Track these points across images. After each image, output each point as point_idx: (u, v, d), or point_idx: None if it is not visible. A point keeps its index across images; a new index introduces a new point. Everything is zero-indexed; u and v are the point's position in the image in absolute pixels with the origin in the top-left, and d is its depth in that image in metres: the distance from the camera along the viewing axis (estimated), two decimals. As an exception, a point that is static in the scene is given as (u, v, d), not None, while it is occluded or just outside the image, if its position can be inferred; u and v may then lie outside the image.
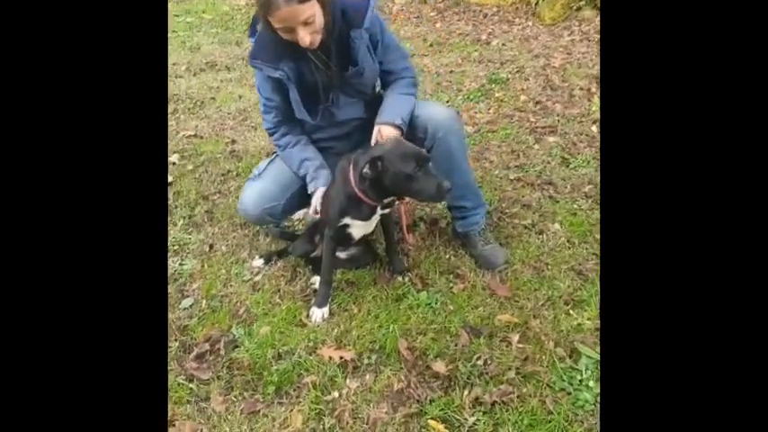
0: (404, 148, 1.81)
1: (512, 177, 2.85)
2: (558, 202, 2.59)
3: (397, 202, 2.07)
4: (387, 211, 2.03)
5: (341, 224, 1.98)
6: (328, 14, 1.85)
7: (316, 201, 2.08)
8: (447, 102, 3.89)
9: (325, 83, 2.02)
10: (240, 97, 4.14)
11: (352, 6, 1.95)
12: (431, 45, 5.02)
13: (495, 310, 1.98)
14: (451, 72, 4.36)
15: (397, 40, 2.16)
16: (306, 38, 1.80)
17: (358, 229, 2.04)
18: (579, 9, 5.05)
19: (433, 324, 1.94)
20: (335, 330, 1.94)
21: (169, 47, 5.42)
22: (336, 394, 1.71)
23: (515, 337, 1.86)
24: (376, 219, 2.02)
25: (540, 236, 2.36)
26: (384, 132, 1.99)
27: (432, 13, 5.88)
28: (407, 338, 1.89)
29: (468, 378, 1.72)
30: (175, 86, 4.38)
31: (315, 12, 1.77)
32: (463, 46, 4.89)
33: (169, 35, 5.82)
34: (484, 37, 5.00)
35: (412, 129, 2.07)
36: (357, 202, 1.91)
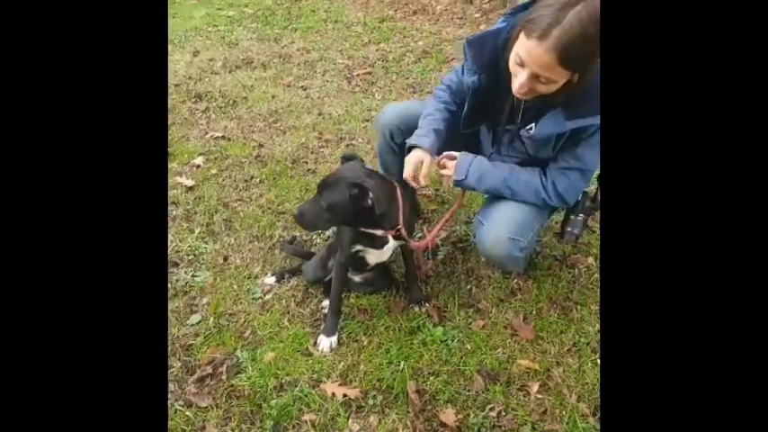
0: (335, 174, 1.77)
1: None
2: (594, 231, 2.40)
3: (410, 240, 1.92)
4: (402, 242, 1.91)
5: (353, 250, 1.87)
6: (565, 92, 1.59)
7: (408, 162, 1.88)
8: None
9: (501, 121, 1.85)
10: (273, 97, 4.07)
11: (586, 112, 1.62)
12: (472, 49, 4.83)
13: (516, 354, 1.84)
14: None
15: (592, 158, 1.76)
16: (522, 86, 1.56)
17: (372, 256, 1.93)
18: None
19: (447, 365, 1.81)
20: (341, 363, 1.84)
21: (208, 41, 5.41)
22: (336, 436, 1.60)
23: (535, 387, 1.71)
24: (389, 249, 1.89)
25: (572, 270, 2.19)
26: (448, 162, 1.90)
27: (476, 15, 5.68)
28: (418, 378, 1.76)
29: (478, 430, 1.59)
30: (210, 83, 4.35)
31: (557, 79, 1.52)
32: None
33: (210, 29, 5.82)
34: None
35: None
36: (364, 232, 1.80)
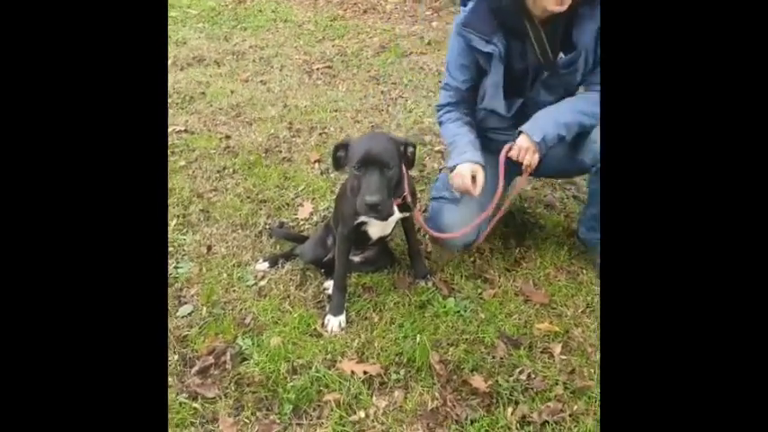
0: (366, 141, 1.64)
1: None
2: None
3: (414, 209, 1.86)
4: (406, 214, 1.84)
5: (357, 222, 1.78)
6: None
7: (456, 175, 1.83)
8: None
9: (535, 71, 1.81)
10: (232, 92, 3.90)
11: None
12: (428, 43, 4.86)
13: (532, 318, 1.81)
14: (453, 70, 4.19)
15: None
16: None
17: (375, 228, 1.85)
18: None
19: (465, 334, 1.75)
20: (356, 341, 1.74)
21: (153, 41, 5.16)
22: (363, 414, 1.51)
23: (557, 348, 1.68)
24: (393, 220, 1.82)
25: (571, 238, 2.20)
26: (518, 142, 1.81)
27: (427, 12, 5.73)
28: (438, 350, 1.69)
29: (510, 394, 1.54)
30: (161, 80, 4.12)
31: None
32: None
33: (153, 29, 5.55)
34: (483, 36, 4.86)
35: (577, 152, 1.86)
36: None
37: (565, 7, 1.64)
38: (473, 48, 1.82)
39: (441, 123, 2.04)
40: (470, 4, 1.83)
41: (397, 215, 1.78)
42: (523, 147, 1.81)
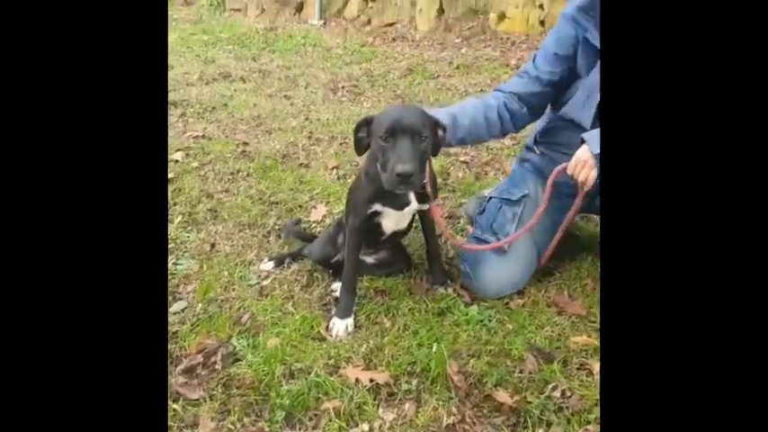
0: (394, 110, 1.46)
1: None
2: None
3: (434, 201, 1.67)
4: (425, 207, 1.65)
5: (370, 211, 1.60)
6: None
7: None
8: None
9: None
10: (255, 105, 3.84)
11: None
12: (457, 67, 4.76)
13: (567, 331, 1.57)
14: (481, 91, 4.07)
15: None
16: None
17: (389, 220, 1.66)
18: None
19: (489, 345, 1.53)
20: (363, 347, 1.53)
21: (182, 59, 5.19)
22: (366, 427, 1.28)
23: (597, 366, 1.44)
24: (410, 212, 1.63)
25: (608, 250, 1.97)
26: (577, 153, 1.57)
27: (457, 40, 5.68)
28: (457, 360, 1.47)
29: (541, 413, 1.30)
30: (185, 93, 4.09)
31: None
32: (492, 69, 4.62)
33: (184, 50, 5.61)
34: (513, 62, 4.74)
35: None
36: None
37: None
38: (584, 40, 1.58)
39: (479, 97, 1.81)
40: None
41: (415, 205, 1.60)
42: (581, 159, 1.55)
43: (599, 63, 1.55)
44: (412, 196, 1.58)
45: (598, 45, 1.53)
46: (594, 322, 1.61)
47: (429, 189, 1.59)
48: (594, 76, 1.59)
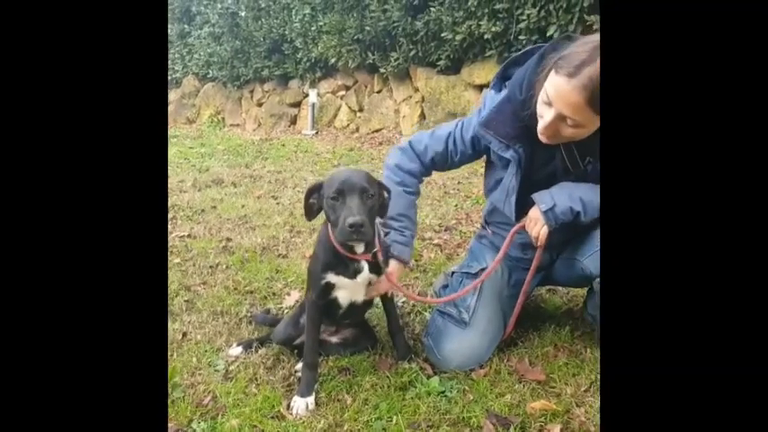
0: (341, 172, 1.56)
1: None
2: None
3: (387, 270, 1.72)
4: (376, 277, 1.68)
5: (324, 281, 1.65)
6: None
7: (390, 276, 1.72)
8: (455, 206, 3.71)
9: (560, 178, 1.64)
10: (243, 206, 4.01)
11: None
12: (438, 164, 5.00)
13: (527, 398, 1.56)
14: (459, 183, 4.25)
15: None
16: (547, 127, 1.45)
17: (344, 291, 1.69)
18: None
19: (448, 415, 1.51)
20: (322, 422, 1.52)
21: (179, 169, 5.48)
22: (317, 503, 1.25)
23: (556, 429, 1.42)
24: (363, 280, 1.67)
25: (574, 320, 1.99)
26: (530, 213, 1.66)
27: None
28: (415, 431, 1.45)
29: (497, 480, 1.27)
30: (178, 199, 4.28)
31: (585, 124, 1.41)
32: (469, 165, 4.85)
33: (181, 161, 5.94)
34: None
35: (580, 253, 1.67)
36: (339, 255, 1.60)
37: (549, 141, 1.52)
38: (492, 151, 1.69)
39: (392, 179, 1.87)
40: (491, 103, 1.70)
41: (367, 274, 1.65)
42: (532, 218, 1.64)
43: (511, 165, 1.64)
44: (364, 264, 1.63)
45: (504, 154, 1.63)
46: (554, 387, 1.60)
47: (380, 258, 1.65)
48: (511, 178, 1.66)
